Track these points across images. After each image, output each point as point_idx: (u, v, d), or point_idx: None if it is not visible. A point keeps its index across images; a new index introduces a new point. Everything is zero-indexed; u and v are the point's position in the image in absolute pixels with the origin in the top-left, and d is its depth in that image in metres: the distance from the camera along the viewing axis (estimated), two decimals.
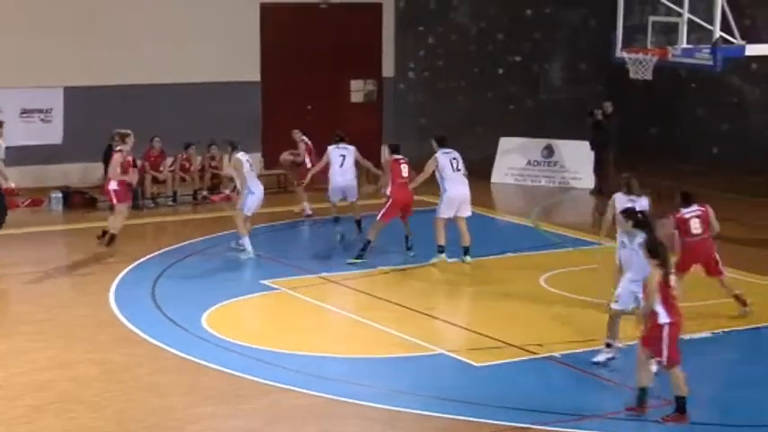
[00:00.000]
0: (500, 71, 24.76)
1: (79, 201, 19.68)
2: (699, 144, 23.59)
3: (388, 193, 15.77)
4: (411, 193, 15.93)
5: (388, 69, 23.83)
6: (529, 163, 22.56)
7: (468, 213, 15.83)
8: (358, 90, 23.81)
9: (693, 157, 23.27)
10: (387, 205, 15.72)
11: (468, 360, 11.88)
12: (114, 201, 16.27)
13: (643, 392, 10.40)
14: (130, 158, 16.47)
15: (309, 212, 18.58)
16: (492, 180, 22.36)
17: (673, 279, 10.28)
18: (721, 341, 12.71)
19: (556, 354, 12.01)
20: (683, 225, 12.91)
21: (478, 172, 22.64)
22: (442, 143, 15.94)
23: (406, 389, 11.15)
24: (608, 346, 11.75)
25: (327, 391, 10.99)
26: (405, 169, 15.88)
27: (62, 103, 20.80)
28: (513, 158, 22.65)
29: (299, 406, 10.76)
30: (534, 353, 12.09)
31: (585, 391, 11.19)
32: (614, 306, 11.69)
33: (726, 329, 12.94)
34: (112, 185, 16.20)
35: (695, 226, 12.88)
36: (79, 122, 20.57)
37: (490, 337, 12.51)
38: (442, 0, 24.11)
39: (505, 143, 22.76)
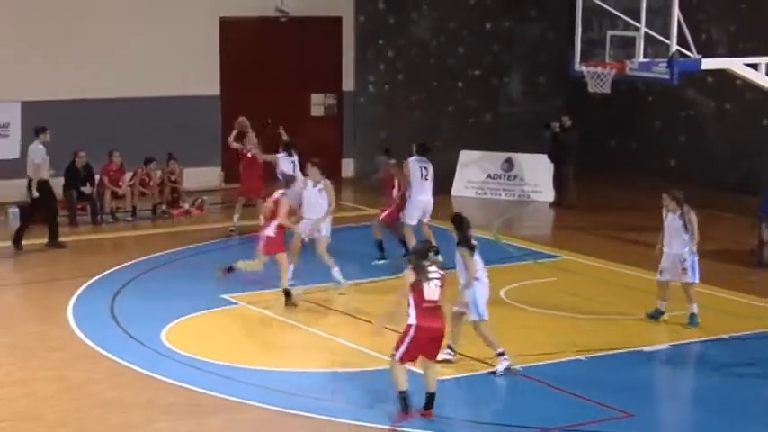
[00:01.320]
0: (460, 85, 24.84)
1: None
2: (656, 157, 23.79)
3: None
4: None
5: (348, 83, 23.85)
6: (489, 176, 22.64)
7: (428, 219, 16.38)
8: (318, 104, 23.80)
9: (651, 170, 23.44)
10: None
11: None
12: (263, 249, 14.33)
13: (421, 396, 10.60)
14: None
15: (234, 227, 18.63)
16: (452, 193, 22.41)
17: (430, 286, 10.40)
18: (679, 352, 12.80)
19: (516, 366, 12.04)
20: None
21: (438, 185, 22.66)
22: (420, 151, 16.43)
23: (366, 402, 11.13)
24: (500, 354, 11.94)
25: (287, 405, 10.95)
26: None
27: (19, 118, 20.61)
28: (473, 172, 22.72)
29: (259, 420, 10.72)
30: (494, 366, 12.10)
31: (546, 403, 11.22)
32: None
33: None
34: (270, 231, 14.35)
35: None
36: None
37: (452, 351, 12.50)
38: (402, 14, 24.18)
39: (465, 156, 22.83)
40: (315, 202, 15.02)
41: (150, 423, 10.61)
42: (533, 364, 12.13)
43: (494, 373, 11.75)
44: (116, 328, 13.46)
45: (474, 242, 11.89)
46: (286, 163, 17.65)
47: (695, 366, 12.40)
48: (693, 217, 13.49)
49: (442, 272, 10.57)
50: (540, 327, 13.65)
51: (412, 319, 10.49)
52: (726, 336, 13.32)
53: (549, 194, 21.89)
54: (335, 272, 14.85)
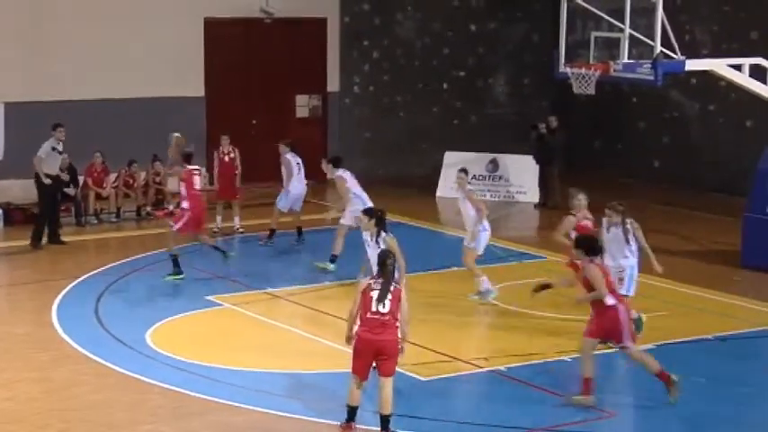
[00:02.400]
0: (445, 86, 24.87)
1: (20, 217, 19.41)
2: (640, 157, 23.87)
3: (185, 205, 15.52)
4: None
5: (333, 84, 23.84)
6: (474, 177, 22.56)
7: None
8: (303, 105, 23.80)
9: (635, 171, 23.53)
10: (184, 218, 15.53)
11: (414, 374, 11.88)
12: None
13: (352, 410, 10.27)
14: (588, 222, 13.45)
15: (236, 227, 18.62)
16: (437, 194, 22.44)
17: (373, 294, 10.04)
18: (662, 352, 12.84)
19: (501, 367, 12.07)
20: None
21: (424, 186, 22.74)
22: (336, 164, 16.18)
23: None
24: None
25: (273, 407, 10.94)
26: (197, 181, 15.76)
27: (2, 119, 20.53)
28: None
29: (245, 422, 10.70)
30: (480, 367, 12.13)
31: (531, 404, 11.24)
32: None
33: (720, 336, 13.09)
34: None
35: None
36: (20, 138, 20.27)
37: (436, 352, 12.53)
38: (387, 15, 24.19)
39: (450, 157, 22.85)
40: (462, 211, 14.74)
41: (135, 425, 10.58)
42: (518, 365, 12.15)
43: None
44: (101, 329, 13.41)
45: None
46: (294, 164, 17.59)
47: (678, 366, 12.39)
48: (637, 227, 13.04)
49: (396, 285, 10.17)
50: (524, 327, 13.67)
51: (356, 327, 10.23)
52: (709, 336, 13.36)
53: (534, 195, 21.93)
54: (483, 281, 14.52)
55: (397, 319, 10.12)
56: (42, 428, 10.45)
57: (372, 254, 11.97)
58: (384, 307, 10.05)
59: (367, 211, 12.39)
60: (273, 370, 12.06)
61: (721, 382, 11.93)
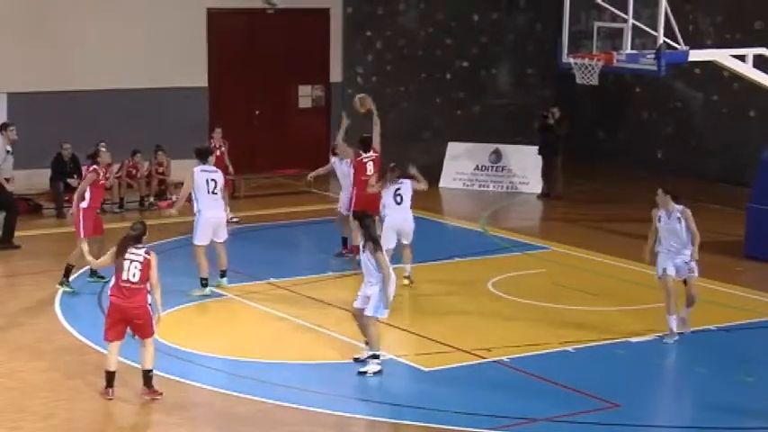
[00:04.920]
0: (448, 76, 24.85)
1: (23, 208, 19.39)
2: (644, 148, 23.85)
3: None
4: None
5: (336, 75, 23.82)
6: (477, 168, 22.65)
7: (224, 238, 14.63)
8: (306, 95, 23.77)
9: (638, 161, 23.51)
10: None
11: (417, 365, 11.90)
12: None
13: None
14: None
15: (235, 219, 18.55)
16: (440, 185, 22.43)
17: (130, 267, 10.84)
18: (666, 343, 12.84)
19: (504, 358, 12.08)
20: None
21: (426, 177, 22.61)
22: (203, 158, 14.49)
23: (356, 394, 11.15)
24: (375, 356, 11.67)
25: (277, 397, 10.95)
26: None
27: (6, 110, 20.51)
28: (462, 163, 22.74)
29: (248, 412, 10.71)
30: (483, 357, 12.14)
31: (534, 394, 11.26)
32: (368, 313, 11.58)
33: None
34: None
35: None
36: (23, 129, 20.19)
37: (439, 342, 12.54)
38: (390, 5, 24.16)
39: (453, 148, 22.84)
40: (672, 232, 12.76)
41: (139, 416, 10.61)
42: (521, 356, 12.16)
43: (364, 372, 11.54)
44: (104, 319, 13.39)
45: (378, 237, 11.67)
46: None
47: (682, 357, 12.44)
48: (381, 257, 11.58)
49: (146, 255, 10.90)
50: (527, 318, 13.68)
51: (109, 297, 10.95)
52: (713, 327, 13.37)
53: (536, 186, 21.93)
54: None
55: None
56: (46, 419, 10.48)
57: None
58: (134, 277, 10.83)
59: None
60: (276, 360, 12.08)
61: (725, 372, 11.93)
